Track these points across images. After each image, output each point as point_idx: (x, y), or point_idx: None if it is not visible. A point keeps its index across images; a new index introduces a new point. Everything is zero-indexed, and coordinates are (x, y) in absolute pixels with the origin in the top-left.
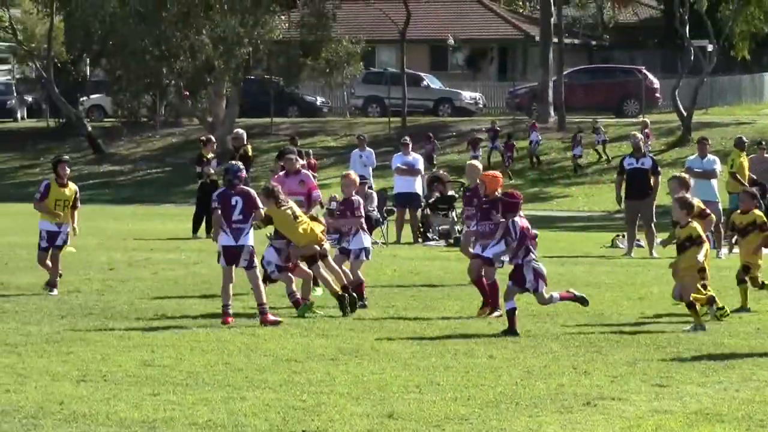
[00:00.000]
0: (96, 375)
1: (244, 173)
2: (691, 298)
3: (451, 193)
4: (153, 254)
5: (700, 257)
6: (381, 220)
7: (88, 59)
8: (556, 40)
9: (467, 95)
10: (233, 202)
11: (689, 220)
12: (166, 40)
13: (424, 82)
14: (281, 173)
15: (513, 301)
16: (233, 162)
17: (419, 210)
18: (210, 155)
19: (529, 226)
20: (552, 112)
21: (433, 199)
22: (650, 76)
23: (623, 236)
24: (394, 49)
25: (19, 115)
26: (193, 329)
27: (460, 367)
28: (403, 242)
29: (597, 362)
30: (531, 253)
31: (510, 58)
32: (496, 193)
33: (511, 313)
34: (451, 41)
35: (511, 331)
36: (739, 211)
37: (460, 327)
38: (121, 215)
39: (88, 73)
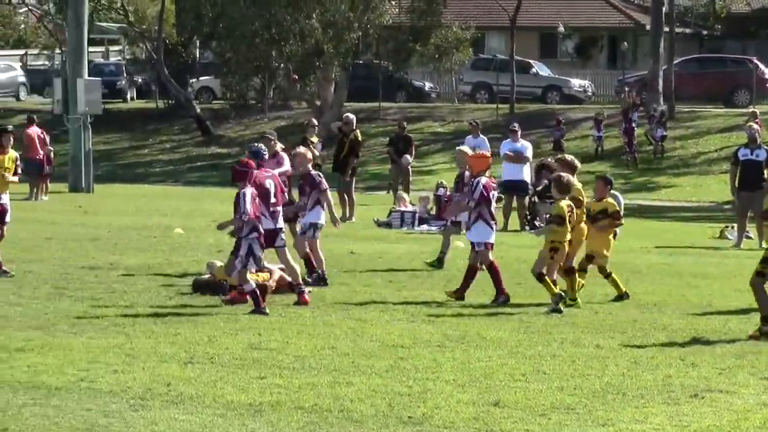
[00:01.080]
0: (203, 357)
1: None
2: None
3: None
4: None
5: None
6: None
7: (198, 41)
8: (667, 29)
9: (576, 83)
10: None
11: None
12: (277, 23)
13: (533, 70)
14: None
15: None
16: (255, 144)
17: (527, 198)
18: (314, 139)
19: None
20: (662, 102)
21: (540, 187)
22: (762, 66)
23: (732, 227)
24: (504, 35)
25: (129, 96)
26: (298, 310)
27: (567, 356)
28: (510, 230)
29: (704, 354)
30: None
31: (620, 46)
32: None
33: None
34: (561, 29)
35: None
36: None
37: (567, 315)
38: (228, 197)
39: (197, 55)
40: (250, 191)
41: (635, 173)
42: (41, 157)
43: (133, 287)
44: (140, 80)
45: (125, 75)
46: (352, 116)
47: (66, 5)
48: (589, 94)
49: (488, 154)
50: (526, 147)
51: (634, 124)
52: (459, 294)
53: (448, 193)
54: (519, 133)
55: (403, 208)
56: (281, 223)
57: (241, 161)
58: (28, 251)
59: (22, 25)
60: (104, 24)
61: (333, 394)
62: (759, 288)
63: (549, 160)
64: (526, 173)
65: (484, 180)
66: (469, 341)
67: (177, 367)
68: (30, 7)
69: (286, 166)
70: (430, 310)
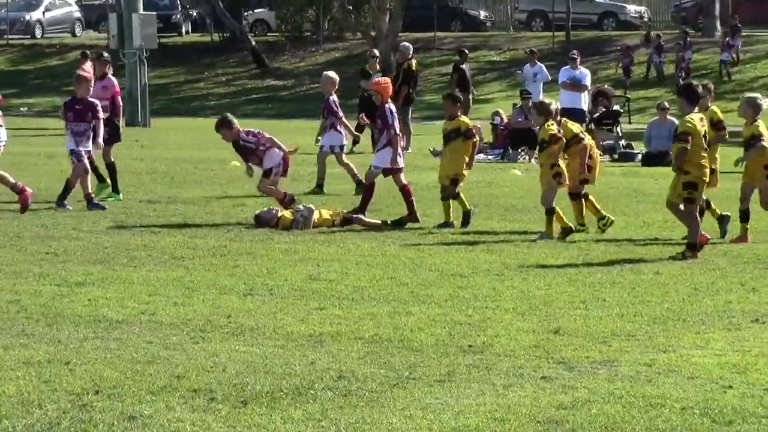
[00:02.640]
0: (262, 289)
1: None
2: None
3: (616, 107)
4: (316, 168)
5: None
6: None
7: None
8: None
9: (632, 9)
10: None
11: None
12: None
13: None
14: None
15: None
16: None
17: (584, 125)
18: (375, 69)
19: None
20: (718, 26)
21: (597, 114)
22: None
23: None
24: None
25: (183, 30)
26: (357, 243)
27: (626, 283)
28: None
29: (765, 279)
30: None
31: None
32: (387, 100)
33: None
34: None
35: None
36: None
37: (626, 243)
38: (284, 129)
39: None
40: None
41: None
42: None
43: (191, 220)
44: (195, 13)
45: (180, 8)
46: (407, 44)
47: None
48: (646, 19)
49: (385, 80)
50: (585, 74)
51: (689, 52)
52: (358, 211)
53: (505, 121)
54: (578, 60)
55: None
56: None
57: None
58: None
59: None
60: None
61: (392, 324)
62: (692, 215)
63: (606, 87)
64: (584, 101)
65: (392, 106)
66: (528, 270)
67: (236, 299)
68: None
69: (114, 90)
70: (488, 239)
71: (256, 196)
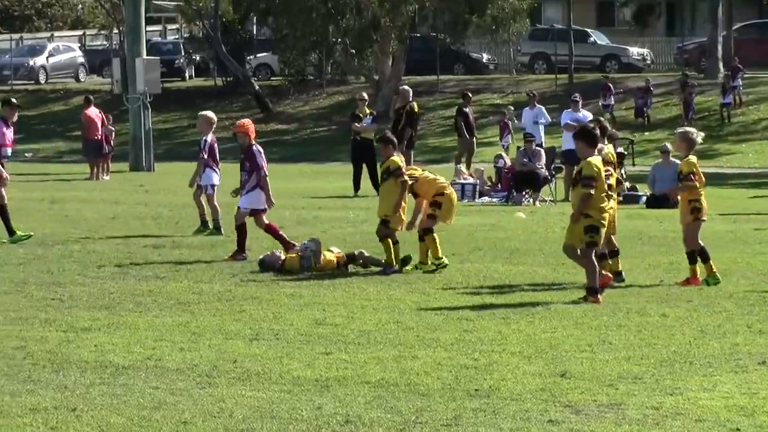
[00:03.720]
0: (268, 333)
1: None
2: None
3: (620, 150)
4: (321, 212)
5: None
6: (549, 177)
7: (254, 18)
8: None
9: (635, 51)
10: None
11: None
12: None
13: (591, 38)
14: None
15: None
16: None
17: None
18: (365, 113)
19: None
20: (721, 68)
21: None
22: None
23: None
24: (561, 4)
25: (187, 74)
26: (364, 279)
27: (633, 325)
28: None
29: None
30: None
31: (678, 12)
32: (252, 142)
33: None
34: None
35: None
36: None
37: (632, 285)
38: (288, 173)
39: (254, 32)
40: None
41: None
42: (100, 137)
43: (197, 265)
44: (198, 58)
45: (183, 53)
46: (406, 88)
47: None
48: (648, 62)
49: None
50: (587, 117)
51: (692, 96)
52: (235, 257)
53: (508, 164)
54: (580, 103)
55: (463, 181)
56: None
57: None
58: (92, 231)
59: (80, 6)
60: (161, 2)
61: (399, 368)
62: (589, 258)
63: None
64: None
65: (259, 147)
66: (534, 313)
67: (243, 344)
68: None
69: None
70: (493, 283)
71: (260, 240)
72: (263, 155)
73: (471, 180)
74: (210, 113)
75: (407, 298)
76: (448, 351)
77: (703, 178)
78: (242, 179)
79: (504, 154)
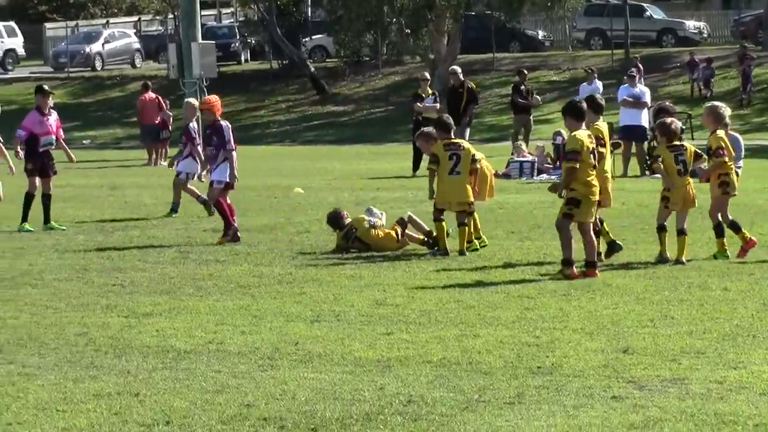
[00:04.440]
0: (329, 315)
1: None
2: None
3: (679, 124)
4: (379, 193)
5: None
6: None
7: (309, 0)
8: None
9: (691, 24)
10: None
11: None
12: None
13: (647, 13)
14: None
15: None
16: None
17: (645, 142)
18: (427, 92)
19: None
20: None
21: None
22: None
23: None
24: None
25: (242, 58)
26: (424, 259)
27: (695, 300)
28: (630, 175)
29: None
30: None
31: None
32: (218, 117)
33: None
34: None
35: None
36: None
37: (693, 259)
38: (345, 155)
39: (309, 14)
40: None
41: (753, 114)
42: (158, 122)
43: (256, 248)
44: (253, 41)
45: (238, 37)
46: (456, 68)
47: None
48: (705, 35)
49: (214, 98)
50: (644, 92)
51: (750, 68)
52: (226, 236)
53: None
54: (637, 78)
55: (521, 159)
56: None
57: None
58: (151, 216)
59: None
60: None
61: (461, 347)
62: (565, 229)
63: (667, 104)
64: (645, 118)
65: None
66: (595, 289)
67: (304, 326)
68: None
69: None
70: (553, 260)
71: (320, 222)
72: (230, 130)
73: (530, 157)
74: (194, 100)
75: (467, 277)
76: (510, 329)
77: (733, 152)
78: (209, 154)
79: (562, 131)
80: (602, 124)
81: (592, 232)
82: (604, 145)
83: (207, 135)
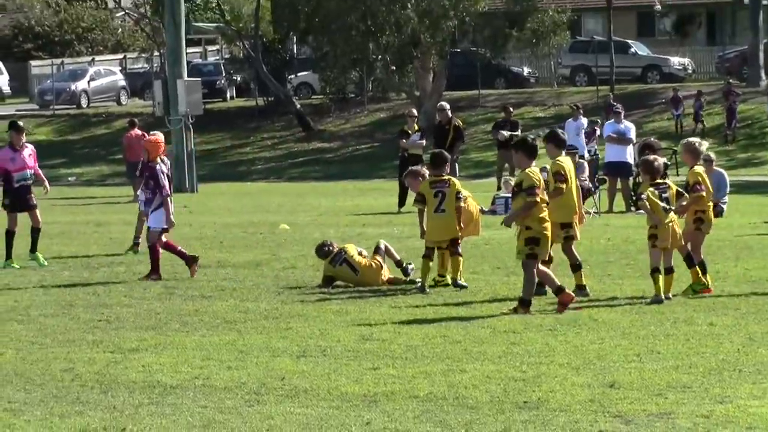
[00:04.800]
0: (315, 350)
1: None
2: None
3: (663, 160)
4: (365, 229)
5: None
6: (593, 189)
7: (294, 37)
8: (765, 1)
9: (676, 61)
10: None
11: None
12: (372, 15)
13: (632, 49)
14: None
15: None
16: None
17: (630, 178)
18: (414, 129)
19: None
20: (763, 76)
21: None
22: None
23: None
24: (601, 16)
25: (228, 95)
26: (410, 294)
27: (680, 334)
28: (616, 211)
29: None
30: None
31: (718, 22)
32: (153, 159)
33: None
34: (658, 6)
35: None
36: None
37: (678, 295)
38: (331, 191)
39: (295, 51)
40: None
41: (737, 149)
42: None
43: (242, 284)
44: (239, 79)
45: (224, 74)
46: (445, 104)
47: (162, 7)
48: (690, 71)
49: (160, 138)
50: (630, 128)
51: (735, 104)
52: (149, 277)
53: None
54: (622, 114)
55: (507, 194)
56: None
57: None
58: (138, 253)
59: (120, 29)
60: (201, 24)
61: (447, 382)
62: (530, 270)
63: (652, 140)
64: (630, 154)
65: (164, 167)
66: (581, 324)
67: (290, 361)
68: (127, 11)
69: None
70: (539, 296)
71: (306, 258)
72: (165, 174)
73: None
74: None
75: (453, 312)
76: (496, 364)
77: (711, 188)
78: (145, 197)
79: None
80: (565, 159)
81: (535, 270)
82: (565, 181)
83: (144, 177)
